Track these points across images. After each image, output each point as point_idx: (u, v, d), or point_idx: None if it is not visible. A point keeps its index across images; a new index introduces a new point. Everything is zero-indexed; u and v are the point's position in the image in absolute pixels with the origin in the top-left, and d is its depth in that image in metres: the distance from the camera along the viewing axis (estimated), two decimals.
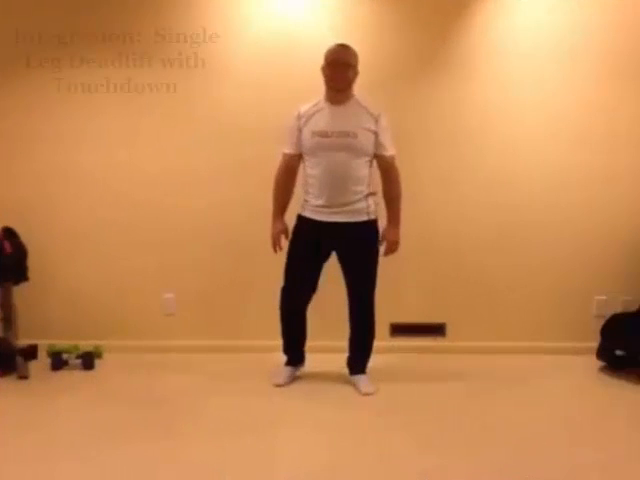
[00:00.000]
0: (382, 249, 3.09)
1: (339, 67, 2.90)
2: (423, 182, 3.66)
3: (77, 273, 3.79)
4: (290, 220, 3.13)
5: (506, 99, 3.64)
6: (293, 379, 3.19)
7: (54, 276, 3.77)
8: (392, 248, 3.09)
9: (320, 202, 2.96)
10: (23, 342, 3.53)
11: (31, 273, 3.62)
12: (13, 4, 3.66)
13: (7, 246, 3.50)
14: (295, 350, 3.24)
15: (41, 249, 3.69)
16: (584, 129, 3.63)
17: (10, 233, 3.58)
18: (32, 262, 3.63)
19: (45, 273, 3.71)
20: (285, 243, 3.12)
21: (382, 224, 3.10)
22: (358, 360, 3.16)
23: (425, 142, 3.66)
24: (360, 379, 3.11)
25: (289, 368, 3.21)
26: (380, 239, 3.07)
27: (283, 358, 3.26)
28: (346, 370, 3.19)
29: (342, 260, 3.06)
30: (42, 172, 3.75)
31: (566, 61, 3.60)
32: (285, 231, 3.12)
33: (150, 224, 3.75)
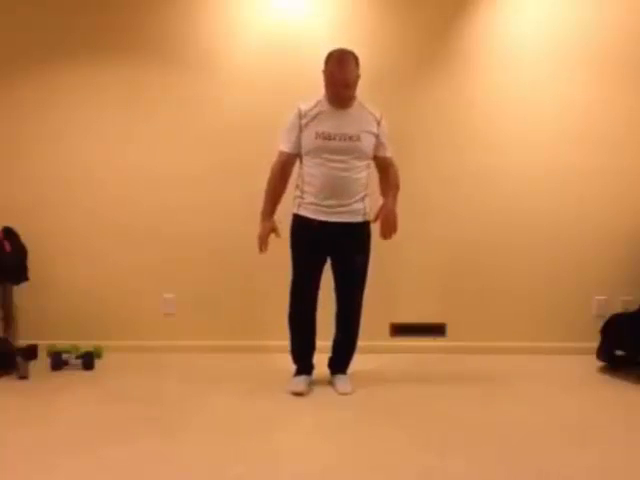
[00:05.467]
0: (377, 223, 2.92)
1: (342, 87, 2.86)
2: (423, 182, 3.66)
3: (77, 273, 3.79)
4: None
5: (506, 99, 3.64)
6: (310, 385, 3.09)
7: (54, 276, 3.77)
8: (390, 218, 2.89)
9: (318, 201, 2.92)
10: (23, 342, 3.53)
11: (31, 273, 3.62)
12: (13, 4, 3.66)
13: (7, 246, 3.51)
14: (306, 360, 3.13)
15: (41, 249, 3.69)
16: (584, 129, 3.63)
17: (10, 233, 3.58)
18: (32, 262, 3.64)
19: (45, 273, 3.71)
20: (274, 241, 3.00)
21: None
22: (342, 360, 3.16)
23: (425, 142, 3.66)
24: (340, 379, 3.10)
25: (304, 376, 3.09)
26: (376, 215, 2.93)
27: (282, 360, 3.19)
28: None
29: (335, 260, 3.04)
30: (42, 172, 3.75)
31: (567, 61, 3.60)
32: (275, 230, 3.01)
33: (150, 224, 3.75)
